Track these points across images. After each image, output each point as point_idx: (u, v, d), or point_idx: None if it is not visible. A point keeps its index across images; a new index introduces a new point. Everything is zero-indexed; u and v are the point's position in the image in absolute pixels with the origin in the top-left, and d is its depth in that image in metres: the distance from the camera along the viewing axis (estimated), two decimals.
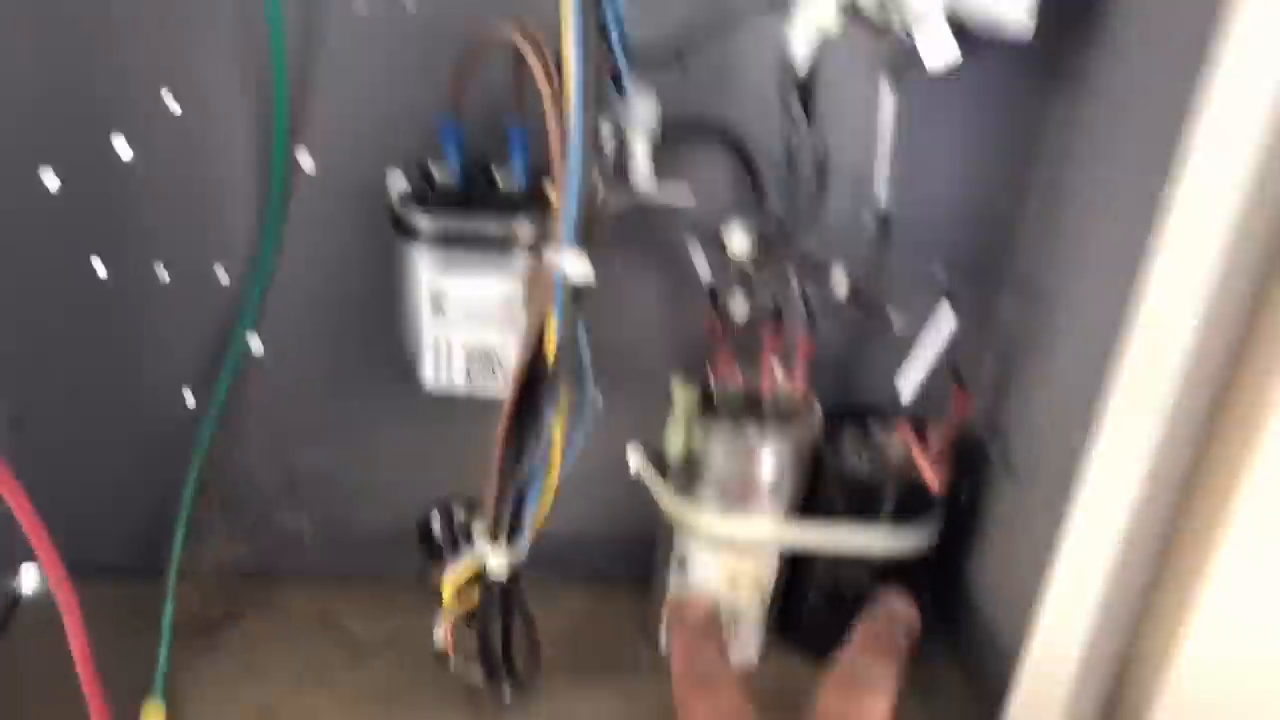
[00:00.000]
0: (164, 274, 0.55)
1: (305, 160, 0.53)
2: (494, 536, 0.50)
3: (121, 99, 0.51)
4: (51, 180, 0.52)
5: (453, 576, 0.51)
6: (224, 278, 0.56)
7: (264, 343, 0.57)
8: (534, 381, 0.47)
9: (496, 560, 0.50)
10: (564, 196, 0.44)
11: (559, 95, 0.44)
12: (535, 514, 0.49)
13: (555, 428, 0.47)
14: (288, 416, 0.59)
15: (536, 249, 0.51)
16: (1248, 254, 0.45)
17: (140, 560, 0.59)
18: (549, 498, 0.49)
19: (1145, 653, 0.54)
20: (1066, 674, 0.52)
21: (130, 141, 0.52)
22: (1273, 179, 0.42)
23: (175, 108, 0.52)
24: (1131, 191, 0.46)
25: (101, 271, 0.55)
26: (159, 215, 0.54)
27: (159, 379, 0.58)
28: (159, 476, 0.58)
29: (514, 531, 0.49)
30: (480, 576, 0.51)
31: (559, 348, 0.46)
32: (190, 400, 0.58)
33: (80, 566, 0.58)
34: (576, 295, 0.45)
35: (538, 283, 0.46)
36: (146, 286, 0.55)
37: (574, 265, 0.44)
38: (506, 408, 0.48)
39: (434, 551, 0.62)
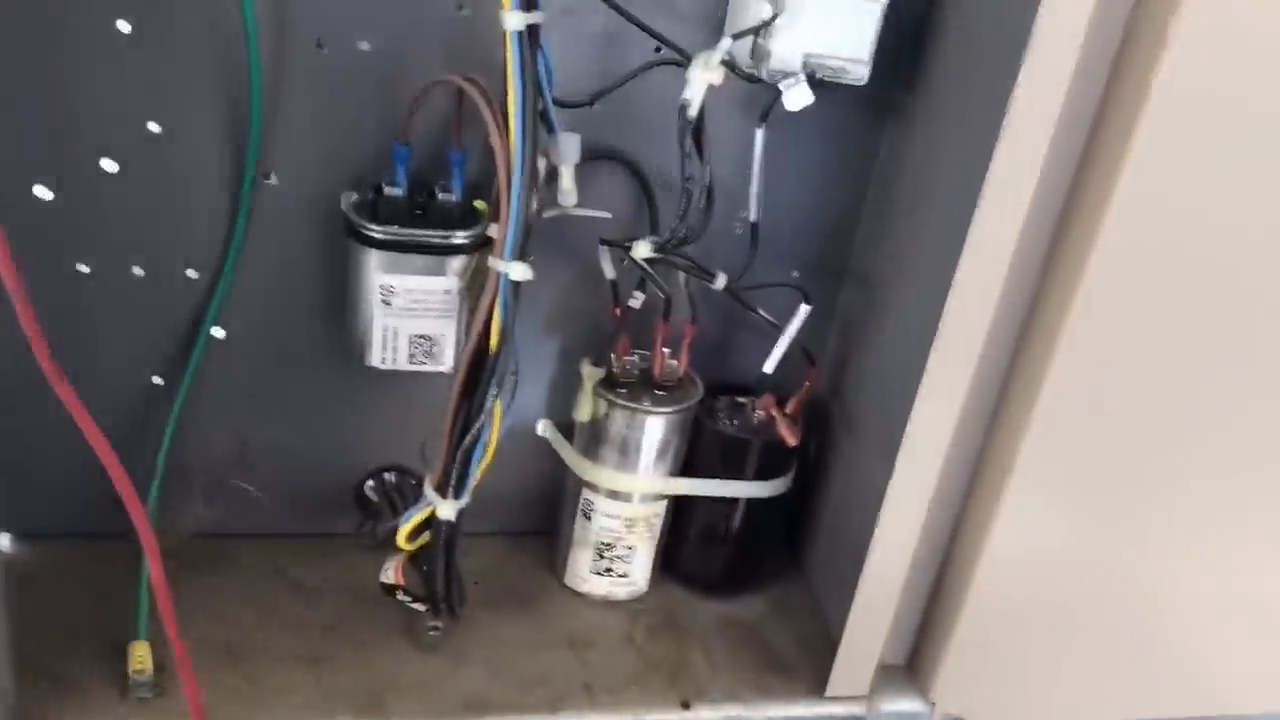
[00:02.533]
0: (139, 271, 0.63)
1: (272, 179, 0.62)
2: (443, 490, 0.60)
3: (110, 122, 0.59)
4: (45, 193, 0.60)
5: (408, 524, 0.62)
6: (193, 274, 0.64)
7: (226, 330, 0.66)
8: (478, 362, 0.58)
9: (446, 509, 0.61)
10: (508, 213, 0.55)
11: (504, 132, 0.55)
12: (478, 470, 0.60)
13: (497, 400, 0.58)
14: (244, 395, 0.68)
15: (472, 253, 0.62)
16: (1030, 261, 0.60)
17: (112, 524, 0.66)
18: (489, 457, 0.60)
19: (954, 567, 0.69)
20: (894, 585, 0.66)
21: (115, 158, 0.60)
22: (1048, 199, 0.57)
23: (156, 129, 0.60)
24: (943, 204, 0.60)
25: (84, 268, 0.62)
26: (138, 221, 0.62)
27: (131, 363, 0.66)
28: (131, 449, 0.66)
29: (460, 485, 0.60)
30: (429, 522, 0.62)
31: (502, 335, 0.57)
32: (157, 380, 0.66)
33: (58, 530, 0.66)
34: (515, 292, 0.57)
35: (484, 282, 0.57)
36: (123, 282, 0.63)
37: (516, 269, 0.56)
38: (457, 384, 0.59)
39: (368, 511, 0.72)
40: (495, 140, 0.55)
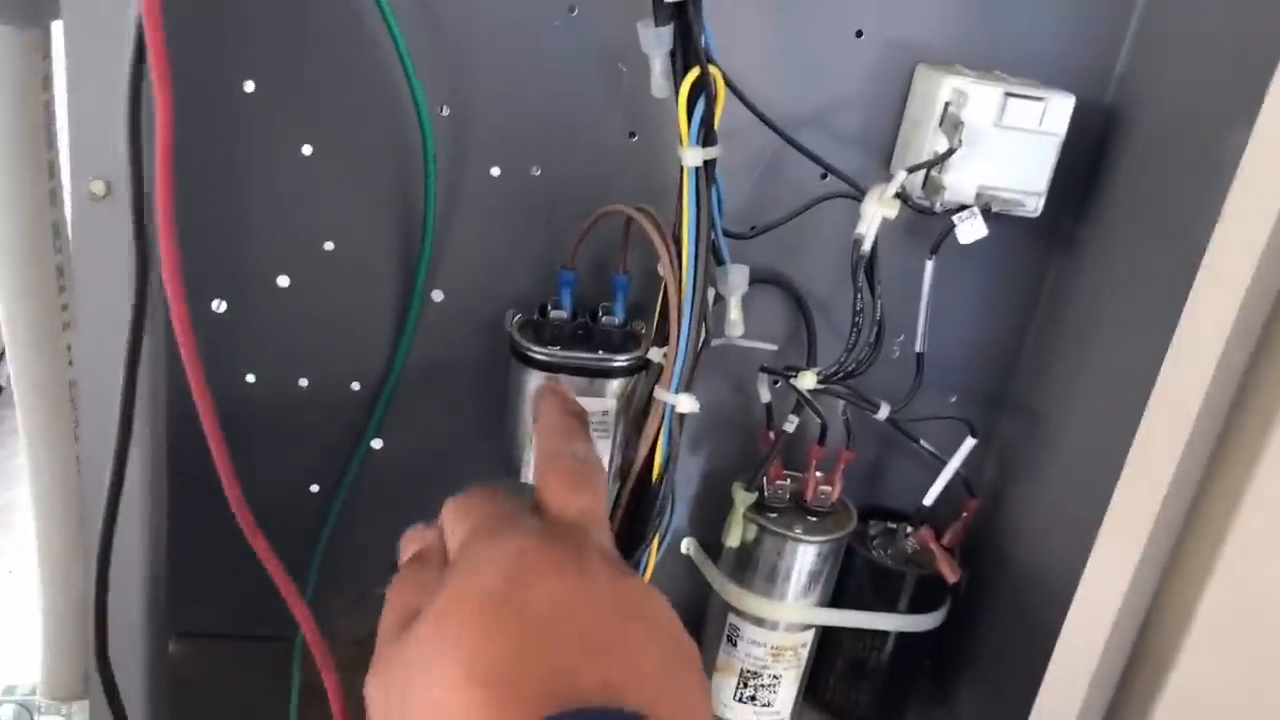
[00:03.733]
0: (304, 382, 0.65)
1: (437, 294, 0.63)
2: None
3: (287, 244, 0.61)
4: (220, 305, 0.62)
5: None
6: (356, 386, 0.65)
7: (385, 441, 0.67)
8: (640, 488, 0.58)
9: None
10: (677, 346, 0.55)
11: (675, 263, 0.54)
12: None
13: (653, 533, 0.58)
14: (399, 504, 0.69)
15: (630, 375, 0.61)
16: (1217, 407, 0.57)
17: (271, 628, 0.67)
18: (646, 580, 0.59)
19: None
20: None
21: (289, 274, 0.62)
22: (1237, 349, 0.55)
23: (330, 246, 0.61)
24: (1115, 338, 0.58)
25: (250, 378, 0.64)
26: (308, 335, 0.63)
27: (292, 474, 0.67)
28: (288, 557, 0.67)
29: None
30: None
31: (665, 466, 0.56)
32: (314, 488, 0.67)
33: (225, 633, 0.67)
34: (680, 423, 0.56)
35: (642, 403, 0.57)
36: (288, 393, 0.65)
37: (683, 401, 0.55)
38: (622, 511, 0.58)
39: None
40: (666, 270, 0.55)
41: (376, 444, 0.67)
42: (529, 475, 0.63)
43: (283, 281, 0.62)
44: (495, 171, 0.61)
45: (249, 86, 0.57)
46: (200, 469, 0.46)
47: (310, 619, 0.51)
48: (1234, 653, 0.62)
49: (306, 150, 0.59)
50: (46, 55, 0.50)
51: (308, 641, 0.53)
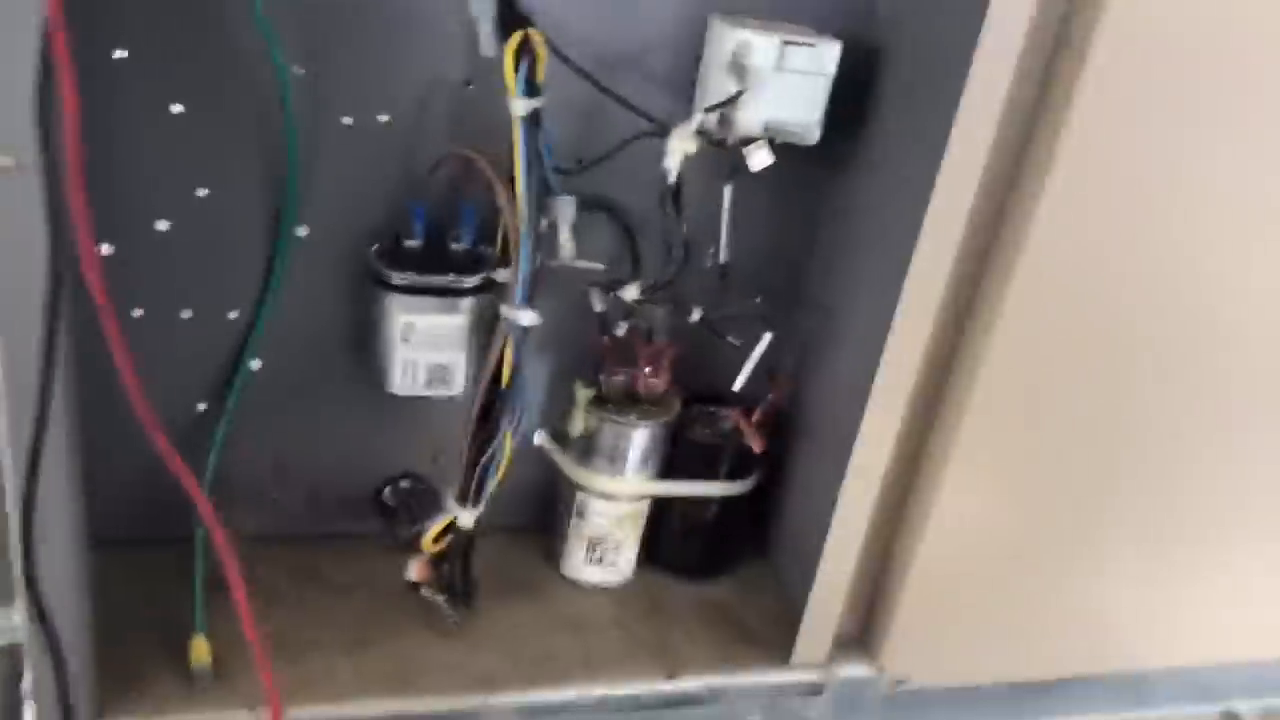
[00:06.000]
0: (186, 314, 0.72)
1: (302, 230, 0.72)
2: (463, 500, 0.71)
3: (164, 192, 0.68)
4: (106, 249, 0.68)
5: (433, 528, 0.72)
6: (233, 315, 0.73)
7: (263, 362, 0.75)
8: (492, 393, 0.68)
9: (465, 517, 0.71)
10: (517, 268, 0.65)
11: (512, 198, 0.64)
12: (493, 484, 0.70)
13: (507, 428, 0.68)
14: (279, 417, 0.77)
15: (480, 294, 0.71)
16: (963, 280, 0.71)
17: (164, 531, 0.75)
18: (502, 474, 0.70)
19: (898, 551, 0.80)
20: (848, 568, 0.77)
21: (167, 218, 0.69)
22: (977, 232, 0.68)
23: (203, 193, 0.69)
24: (884, 239, 0.71)
25: (137, 313, 0.71)
26: (187, 272, 0.71)
27: (180, 394, 0.75)
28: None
29: (478, 497, 0.70)
30: (450, 528, 0.72)
31: (514, 372, 0.67)
32: (202, 406, 0.75)
33: (117, 539, 0.74)
34: (525, 335, 0.67)
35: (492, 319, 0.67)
36: (173, 324, 0.72)
37: (525, 315, 0.65)
38: (475, 411, 0.68)
39: (387, 513, 0.82)
40: (504, 205, 0.65)
41: (255, 364, 0.75)
42: (394, 385, 0.73)
43: (161, 225, 0.69)
44: (347, 120, 0.69)
45: (119, 54, 0.63)
46: (107, 395, 0.54)
47: (210, 508, 0.60)
48: (982, 491, 0.77)
49: (176, 109, 0.66)
50: None
51: (209, 531, 0.62)
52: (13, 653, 0.72)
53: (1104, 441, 0.78)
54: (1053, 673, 0.91)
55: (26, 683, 0.65)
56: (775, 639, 0.81)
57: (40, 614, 0.60)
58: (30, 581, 0.59)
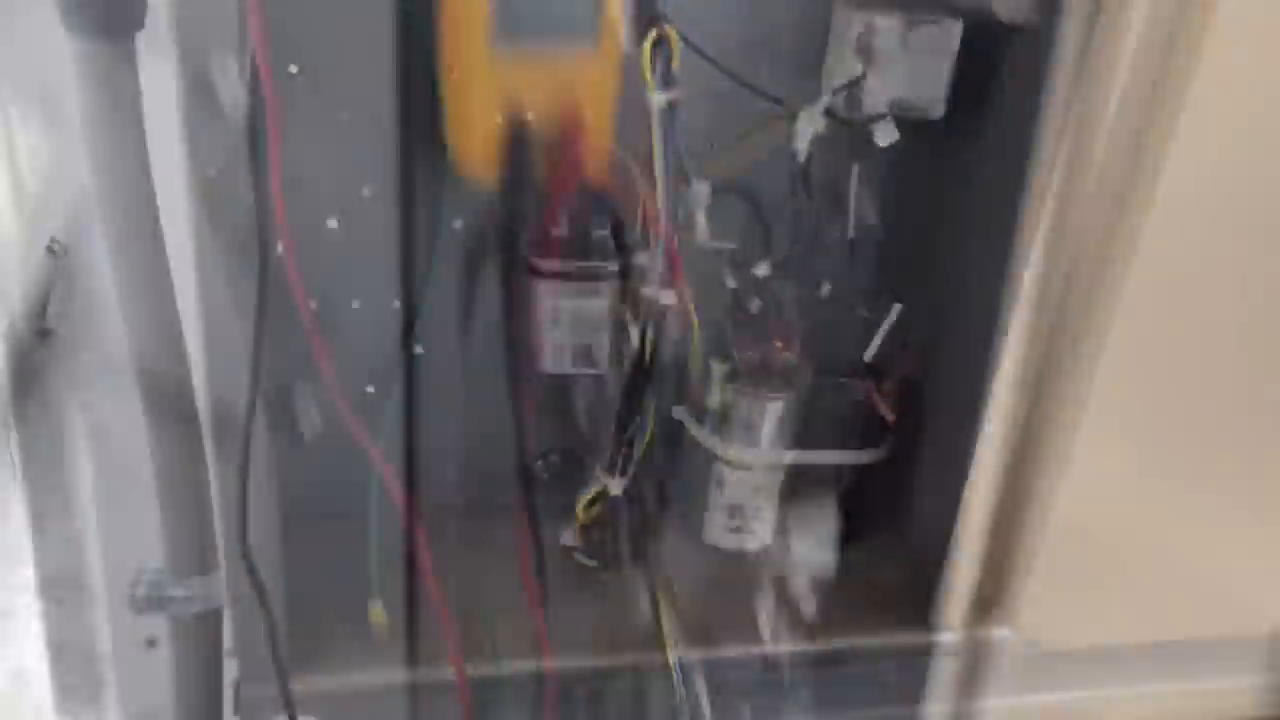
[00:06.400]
0: (356, 304, 0.79)
1: (457, 223, 0.77)
2: (611, 470, 0.75)
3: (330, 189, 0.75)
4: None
5: (584, 497, 0.77)
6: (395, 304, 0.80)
7: (424, 348, 0.81)
8: (636, 371, 0.73)
9: (615, 486, 0.76)
10: (657, 252, 0.69)
11: (651, 186, 0.69)
12: (638, 455, 0.75)
13: (650, 402, 0.73)
14: (440, 398, 0.83)
15: (622, 278, 0.76)
16: (1081, 254, 0.72)
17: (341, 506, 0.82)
18: (646, 447, 0.75)
19: (1028, 519, 0.82)
20: (981, 535, 0.79)
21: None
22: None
23: (368, 192, 0.75)
24: (1008, 207, 0.73)
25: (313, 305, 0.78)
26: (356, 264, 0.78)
27: (350, 377, 0.81)
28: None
29: (625, 467, 0.75)
30: (599, 497, 0.77)
31: (654, 349, 0.71)
32: (369, 389, 0.82)
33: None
34: (664, 314, 0.71)
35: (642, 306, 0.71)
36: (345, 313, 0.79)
37: (665, 296, 0.70)
38: (622, 389, 0.73)
39: (541, 486, 0.87)
40: (643, 192, 0.69)
41: (418, 350, 0.81)
42: (544, 365, 0.78)
43: (332, 223, 0.76)
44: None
45: (293, 69, 0.70)
46: None
47: (393, 479, 0.65)
48: (1122, 449, 0.78)
49: (343, 117, 0.72)
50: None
51: (391, 501, 0.68)
52: (213, 617, 0.79)
53: (1237, 401, 0.78)
54: (1184, 634, 0.91)
55: (228, 643, 0.72)
56: (909, 603, 0.84)
57: (253, 577, 0.67)
58: (244, 550, 0.66)
